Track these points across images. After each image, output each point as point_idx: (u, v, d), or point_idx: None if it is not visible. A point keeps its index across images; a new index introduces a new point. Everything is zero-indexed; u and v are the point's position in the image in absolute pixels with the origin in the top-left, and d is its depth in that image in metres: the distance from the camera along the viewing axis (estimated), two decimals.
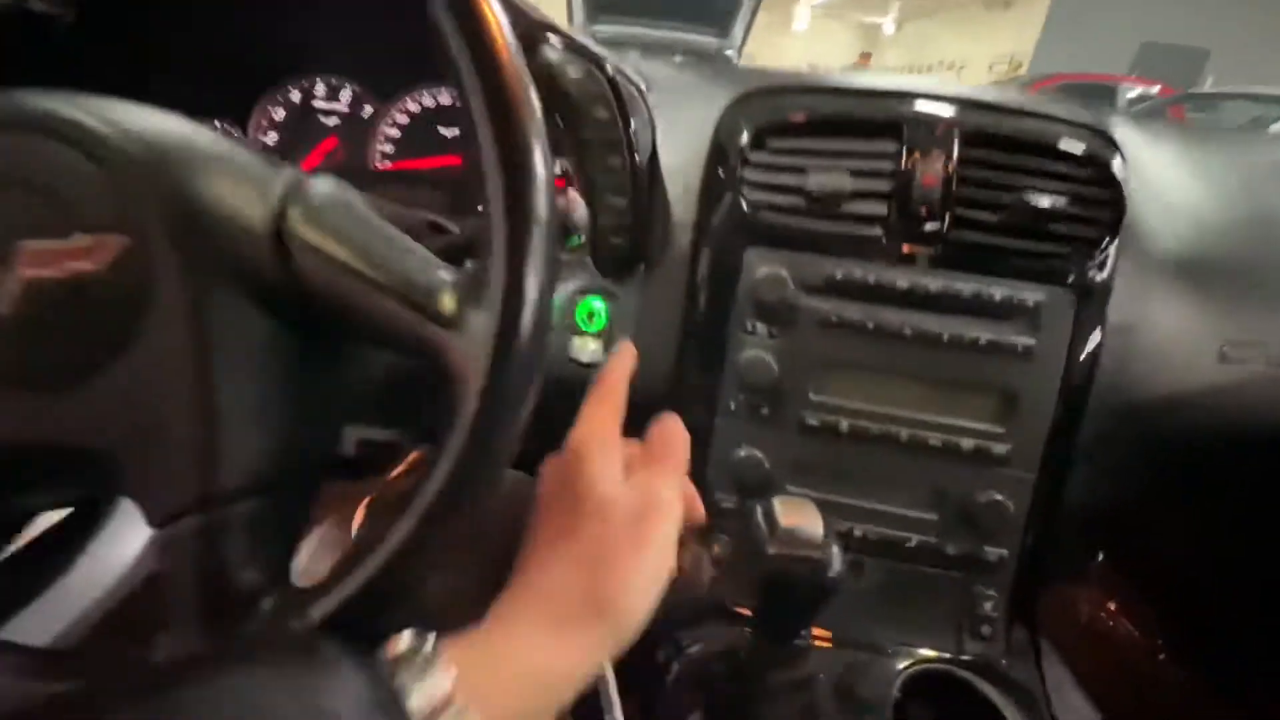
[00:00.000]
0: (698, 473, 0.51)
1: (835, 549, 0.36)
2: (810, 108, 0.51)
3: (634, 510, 0.30)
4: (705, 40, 5.04)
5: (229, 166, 0.27)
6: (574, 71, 0.44)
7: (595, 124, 0.45)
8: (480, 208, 0.27)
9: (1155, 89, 6.41)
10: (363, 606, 0.26)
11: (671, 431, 0.34)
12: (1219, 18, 8.28)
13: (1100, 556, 0.60)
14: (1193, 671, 0.64)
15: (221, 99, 0.59)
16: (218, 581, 0.27)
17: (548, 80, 0.46)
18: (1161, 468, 0.51)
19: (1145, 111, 5.54)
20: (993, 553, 0.49)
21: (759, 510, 0.39)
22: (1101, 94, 6.46)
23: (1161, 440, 0.50)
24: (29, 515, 0.31)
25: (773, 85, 0.52)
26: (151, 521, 0.27)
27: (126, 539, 0.79)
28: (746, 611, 0.48)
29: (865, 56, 8.86)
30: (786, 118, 0.50)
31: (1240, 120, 4.88)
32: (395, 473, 0.91)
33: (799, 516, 0.37)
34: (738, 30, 4.90)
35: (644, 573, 0.29)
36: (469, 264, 0.28)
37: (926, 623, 0.49)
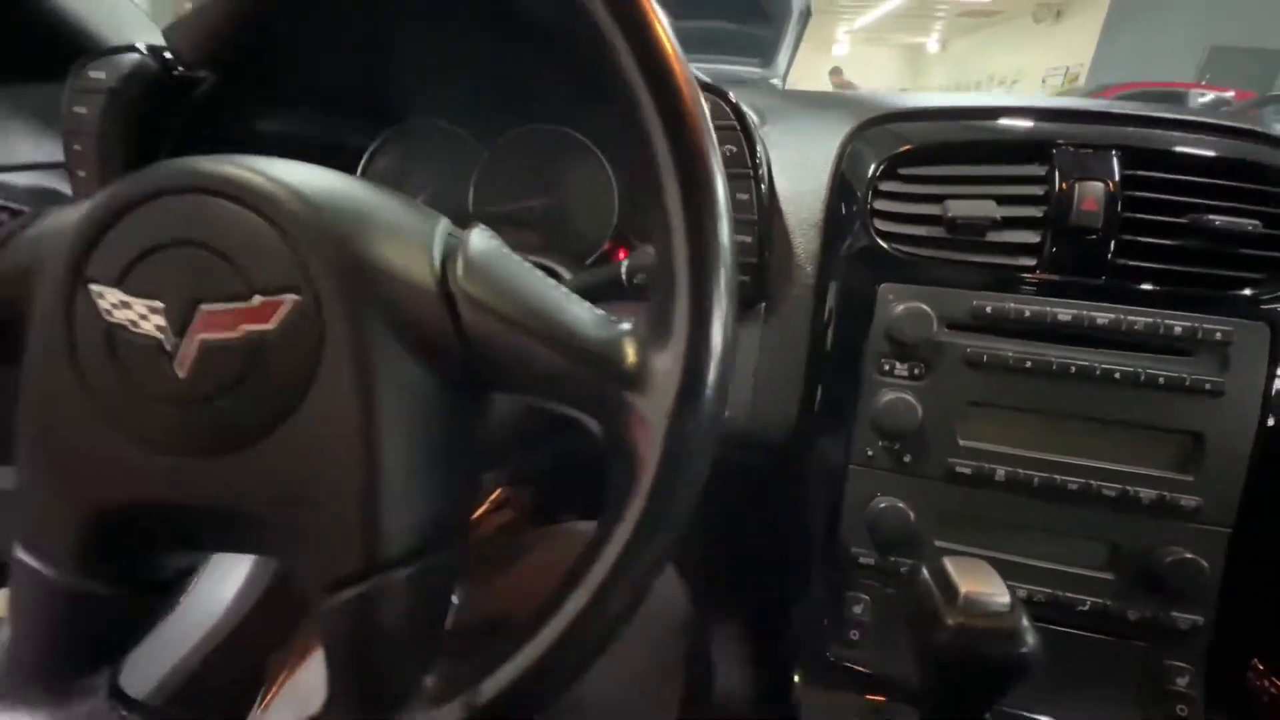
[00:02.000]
0: (830, 527, 0.47)
1: (1025, 619, 0.31)
2: (945, 132, 0.48)
3: None
4: (749, 71, 5.11)
5: (394, 224, 0.26)
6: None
7: (724, 158, 0.43)
8: (651, 249, 0.26)
9: (1230, 94, 6.09)
10: (529, 689, 0.24)
11: None
12: None
13: None
14: None
15: (333, 145, 0.61)
16: (379, 654, 0.25)
17: None
18: None
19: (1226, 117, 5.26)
20: (1184, 620, 0.43)
21: (927, 572, 0.34)
22: (1170, 102, 6.20)
23: None
24: (186, 574, 0.30)
25: (898, 110, 0.50)
26: (314, 588, 0.26)
27: (226, 580, 0.81)
28: (904, 687, 0.43)
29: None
30: (920, 144, 0.47)
31: None
32: (480, 511, 0.90)
33: (978, 580, 0.33)
34: (782, 59, 4.94)
35: None
36: (630, 316, 0.27)
37: (1107, 701, 0.43)
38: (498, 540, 0.77)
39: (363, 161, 0.62)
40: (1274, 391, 0.42)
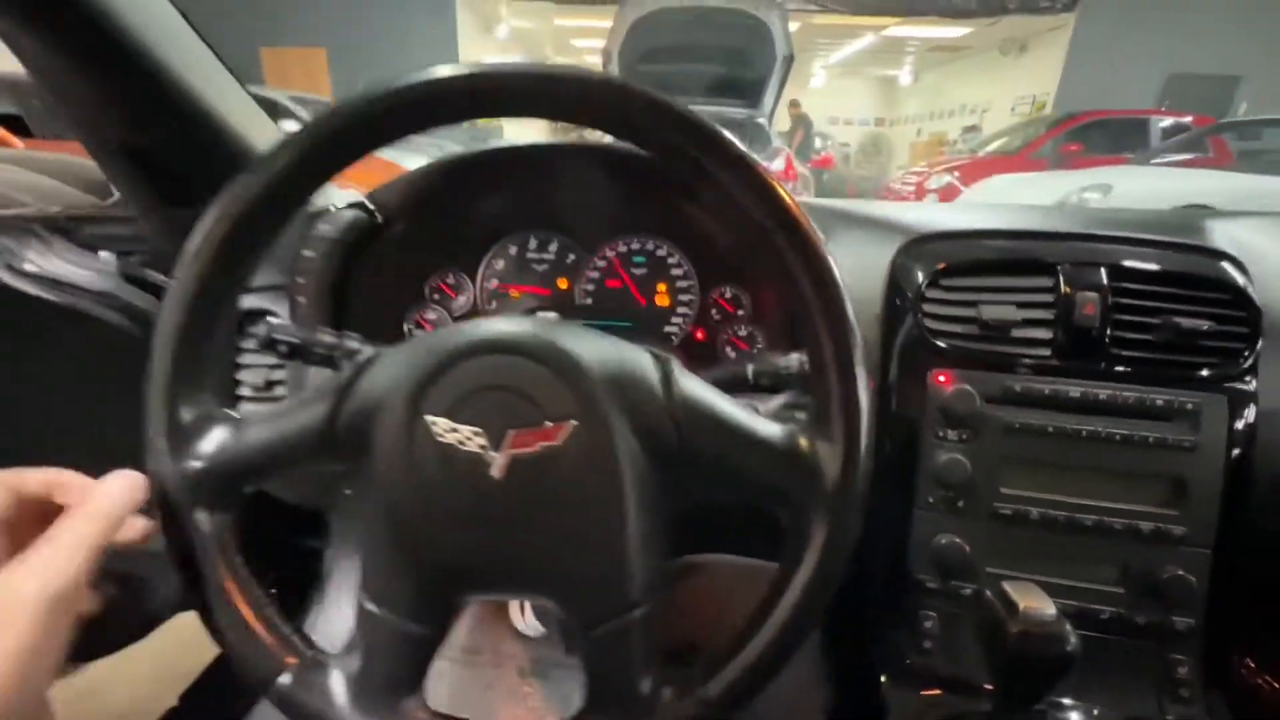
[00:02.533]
0: (899, 558, 0.59)
1: (1068, 626, 0.43)
2: (973, 251, 0.61)
3: None
4: (737, 112, 5.37)
5: (630, 362, 0.37)
6: None
7: None
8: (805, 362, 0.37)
9: (1188, 119, 6.42)
10: (738, 692, 0.35)
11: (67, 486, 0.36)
12: (1245, 44, 8.32)
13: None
14: None
15: (457, 255, 0.73)
16: (629, 671, 0.36)
17: None
18: None
19: (1183, 143, 5.54)
20: (1181, 622, 0.55)
21: (990, 593, 0.46)
22: (1134, 128, 6.52)
23: None
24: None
25: (935, 232, 0.63)
26: (576, 623, 0.36)
27: (340, 615, 0.90)
28: (985, 684, 0.54)
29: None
30: (954, 261, 0.60)
31: None
32: None
33: (1030, 598, 0.44)
34: (767, 101, 5.21)
35: None
36: (785, 410, 0.38)
37: (1125, 689, 0.55)
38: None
39: (482, 265, 0.74)
40: (1237, 444, 0.55)
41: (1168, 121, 6.51)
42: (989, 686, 0.53)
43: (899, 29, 10.29)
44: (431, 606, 0.37)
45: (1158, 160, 5.36)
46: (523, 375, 0.35)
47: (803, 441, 0.36)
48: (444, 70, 0.36)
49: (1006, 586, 0.45)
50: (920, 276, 0.60)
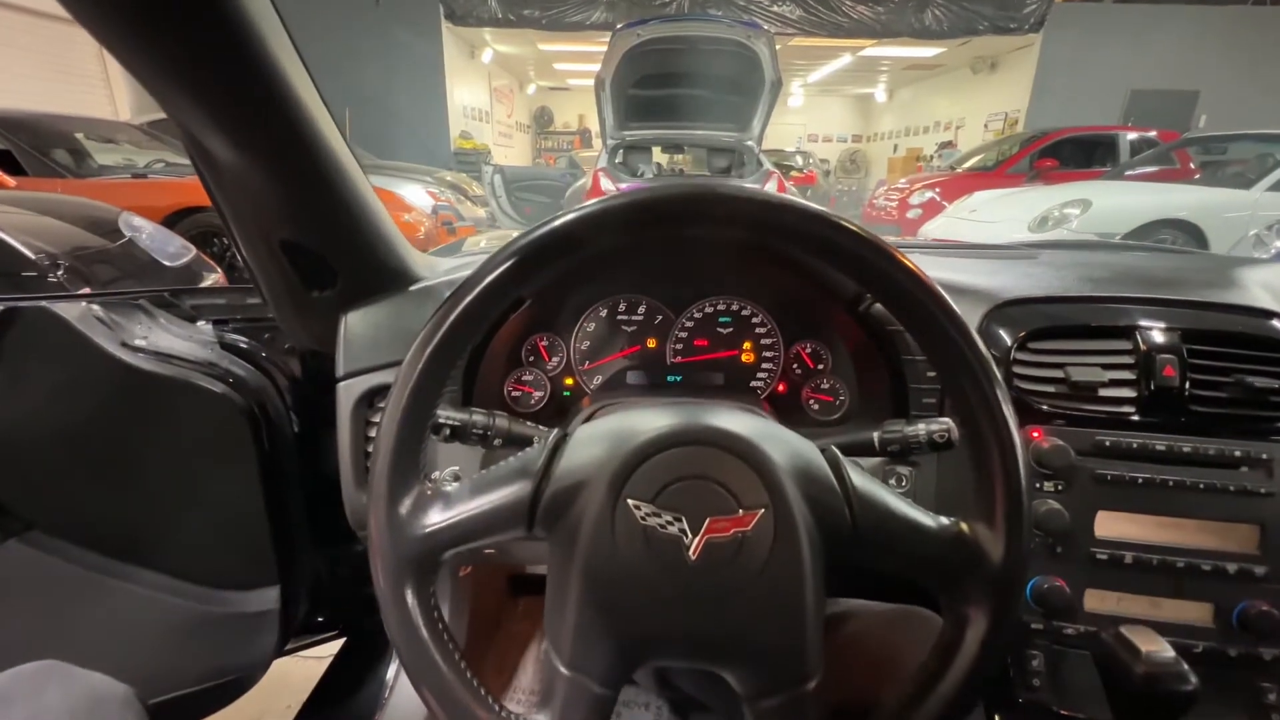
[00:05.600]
0: None
1: (1186, 665, 0.47)
2: (1058, 317, 0.66)
3: None
4: (728, 136, 5.49)
5: (806, 454, 0.42)
6: None
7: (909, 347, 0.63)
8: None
9: (1153, 134, 6.69)
10: None
11: None
12: (1201, 60, 8.73)
13: None
14: None
15: (553, 320, 0.77)
16: None
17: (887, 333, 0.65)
18: None
19: (1151, 157, 5.78)
20: (1268, 652, 0.59)
21: (1111, 638, 0.50)
22: (1105, 143, 6.79)
23: None
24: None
25: (1017, 298, 0.68)
26: (751, 695, 0.40)
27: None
28: (1091, 716, 0.58)
29: None
30: (1038, 327, 0.65)
31: (1246, 158, 5.08)
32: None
33: (1149, 642, 0.49)
34: (756, 125, 5.34)
35: None
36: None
37: (1224, 715, 0.59)
38: None
39: (576, 328, 0.78)
40: None
41: (1134, 136, 6.77)
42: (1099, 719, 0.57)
43: (874, 50, 10.61)
44: (620, 672, 0.40)
45: (1130, 174, 5.57)
46: (719, 466, 0.39)
47: (965, 528, 0.40)
48: (643, 194, 0.40)
49: (1124, 630, 0.49)
50: (1008, 340, 0.65)
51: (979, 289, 0.69)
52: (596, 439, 0.42)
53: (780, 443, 0.41)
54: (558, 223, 0.41)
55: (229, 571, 0.82)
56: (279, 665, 0.92)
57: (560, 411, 0.77)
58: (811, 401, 0.76)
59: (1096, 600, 0.61)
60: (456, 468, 0.69)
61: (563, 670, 0.40)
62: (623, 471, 0.39)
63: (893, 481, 0.65)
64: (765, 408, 0.73)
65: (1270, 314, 0.66)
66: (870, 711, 0.42)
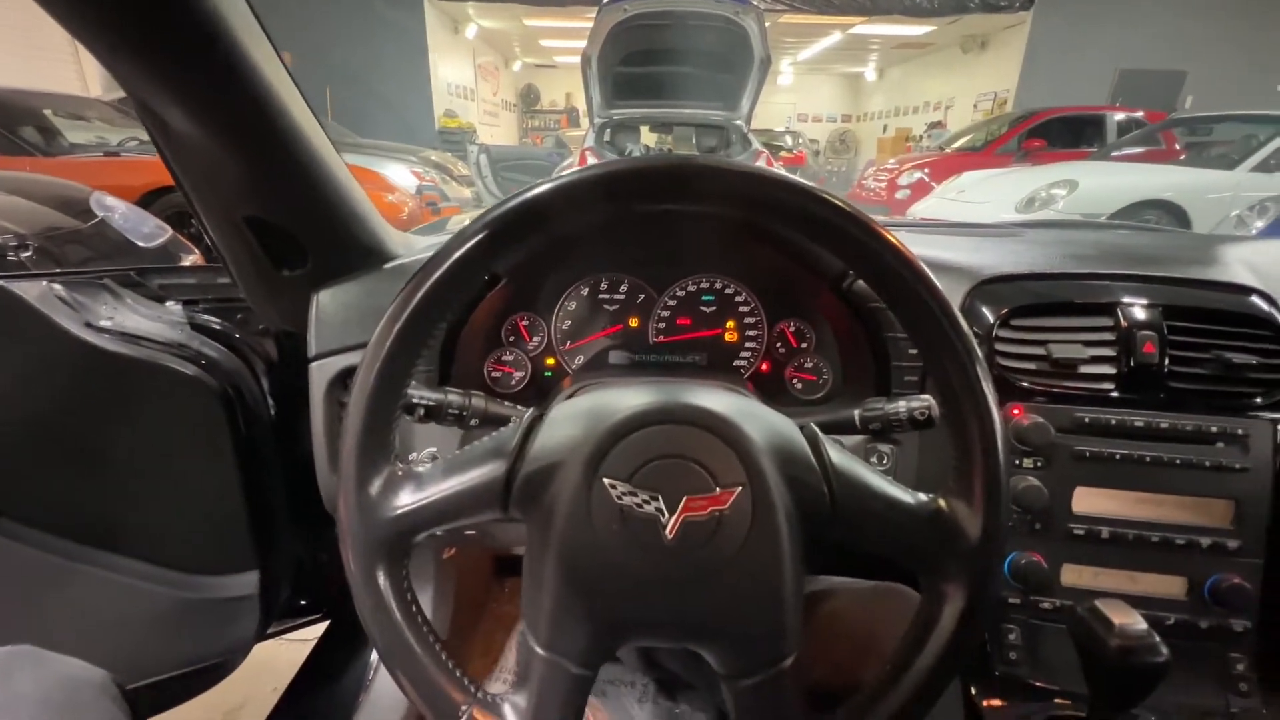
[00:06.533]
0: None
1: (1158, 637, 0.47)
2: (1039, 294, 0.66)
3: None
4: (716, 115, 5.43)
5: (784, 431, 0.41)
6: None
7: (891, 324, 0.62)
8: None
9: (1140, 114, 6.71)
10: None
11: None
12: (1189, 39, 8.73)
13: None
14: None
15: (533, 299, 0.76)
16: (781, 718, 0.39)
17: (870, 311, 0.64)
18: None
19: (1138, 137, 5.80)
20: (1239, 624, 0.61)
21: (1085, 612, 0.51)
22: (1092, 124, 6.80)
23: None
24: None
25: (1000, 275, 0.68)
26: (732, 674, 0.40)
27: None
28: (1067, 689, 0.59)
29: None
30: (1020, 304, 0.65)
31: (1231, 138, 5.10)
32: None
33: (1123, 615, 0.49)
34: (745, 104, 5.28)
35: None
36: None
37: (1193, 686, 0.60)
38: None
39: (557, 307, 0.76)
40: (1277, 465, 0.61)
41: (1121, 116, 6.79)
42: (1072, 691, 0.58)
43: (864, 27, 10.49)
44: (597, 653, 0.40)
45: (1117, 154, 5.59)
46: (696, 444, 0.38)
47: (943, 505, 0.40)
48: (618, 165, 0.39)
49: (1098, 604, 0.49)
50: (990, 317, 0.65)
51: (963, 266, 0.68)
52: (572, 418, 0.42)
53: (758, 421, 0.40)
54: (529, 195, 0.39)
55: (207, 556, 0.81)
56: (264, 648, 0.91)
57: (541, 392, 0.76)
58: (795, 380, 0.76)
59: (1073, 575, 0.62)
60: (434, 449, 0.68)
61: (539, 651, 0.39)
62: (598, 451, 0.38)
63: (874, 459, 0.65)
64: (748, 387, 0.73)
65: (1250, 290, 0.66)
66: (850, 688, 0.42)
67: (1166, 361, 0.62)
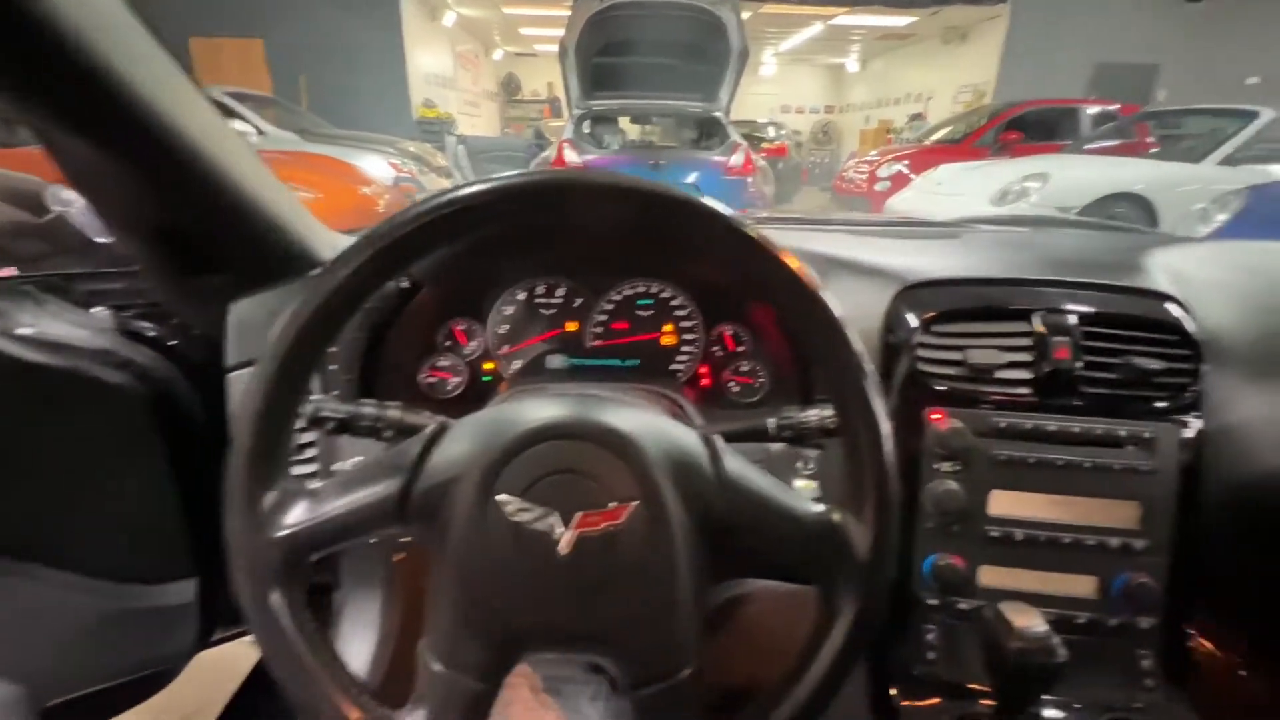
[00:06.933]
0: (903, 578, 0.65)
1: (1057, 639, 0.49)
2: (959, 300, 0.67)
3: None
4: (694, 106, 5.40)
5: (682, 442, 0.41)
6: None
7: None
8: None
9: (1114, 107, 6.79)
10: None
11: None
12: (1163, 33, 8.85)
13: (1225, 613, 0.73)
14: None
15: (468, 304, 0.75)
16: None
17: None
18: (1260, 538, 0.65)
19: (1111, 130, 5.88)
20: (1145, 621, 0.63)
21: (989, 613, 0.52)
22: (1067, 116, 6.87)
23: (1259, 513, 0.64)
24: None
25: (925, 280, 0.68)
26: (625, 685, 0.40)
27: (354, 655, 0.92)
28: (982, 688, 0.61)
29: None
30: (942, 310, 0.66)
31: (1200, 132, 5.19)
32: None
33: (1024, 617, 0.50)
34: (724, 95, 5.27)
35: None
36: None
37: (1102, 683, 0.62)
38: None
39: (493, 311, 0.76)
40: (1187, 466, 0.63)
41: (1096, 109, 6.87)
42: (987, 690, 0.59)
43: (846, 17, 10.49)
44: (496, 667, 0.40)
45: (1090, 147, 5.66)
46: (590, 460, 0.39)
47: (836, 518, 0.40)
48: (514, 179, 0.38)
49: (1002, 607, 0.51)
50: (913, 323, 0.66)
51: (892, 270, 0.69)
52: (472, 432, 0.41)
53: (655, 434, 0.40)
54: (422, 209, 0.38)
55: (141, 566, 0.79)
56: (226, 653, 0.90)
57: (480, 397, 0.76)
58: (732, 384, 0.76)
59: (990, 576, 0.63)
60: (361, 458, 0.67)
61: (436, 667, 0.39)
62: (494, 466, 0.38)
63: (799, 465, 0.66)
64: (686, 392, 0.73)
65: (1165, 297, 0.67)
66: (754, 695, 0.42)
67: (1080, 366, 0.63)
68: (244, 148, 0.58)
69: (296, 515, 0.40)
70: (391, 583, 0.94)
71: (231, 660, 1.04)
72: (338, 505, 0.40)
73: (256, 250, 0.65)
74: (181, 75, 0.52)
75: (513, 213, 0.39)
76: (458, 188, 0.39)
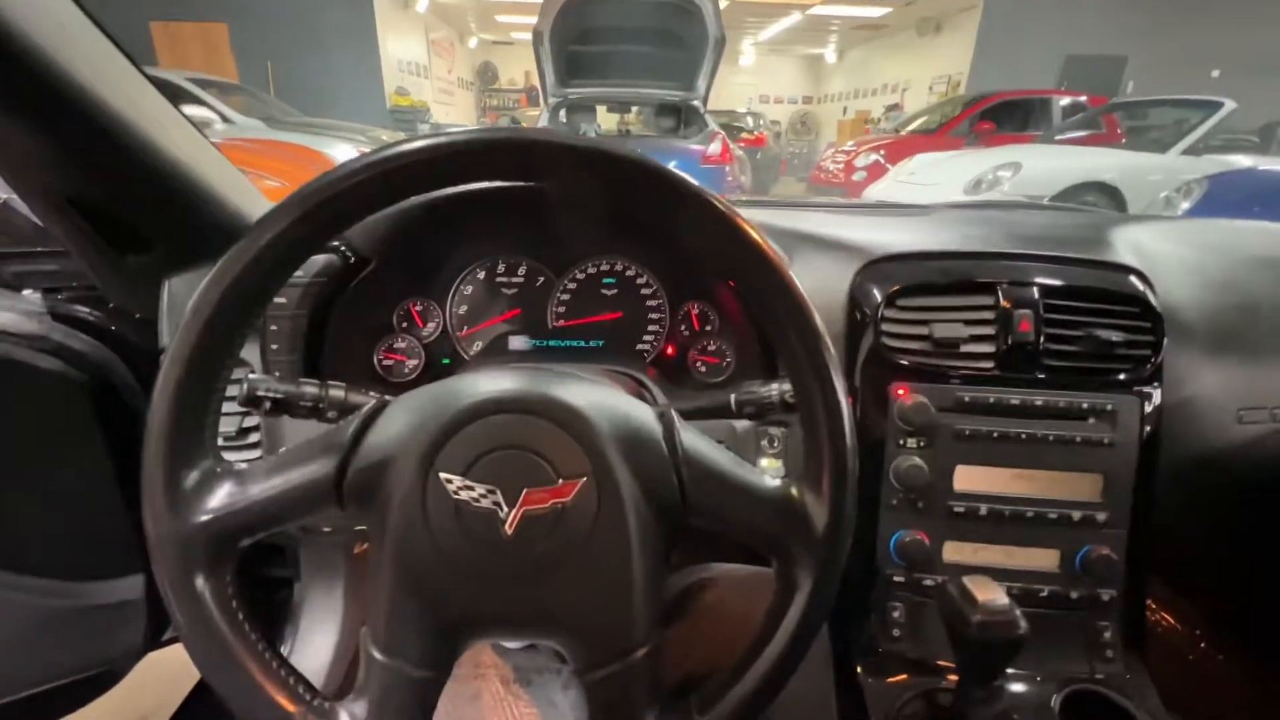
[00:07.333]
0: (868, 554, 0.64)
1: (1018, 612, 0.49)
2: (925, 273, 0.66)
3: None
4: (672, 94, 5.36)
5: (635, 418, 0.39)
6: None
7: None
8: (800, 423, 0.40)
9: (1084, 99, 6.91)
10: (750, 706, 0.38)
11: None
12: (1132, 26, 9.01)
13: (1180, 584, 0.74)
14: (1253, 669, 0.78)
15: (426, 284, 0.72)
16: (634, 711, 0.38)
17: None
18: (1214, 510, 0.66)
19: (1081, 121, 5.97)
20: (1105, 593, 0.63)
21: (952, 587, 0.51)
22: (1039, 107, 6.98)
23: (1211, 488, 0.66)
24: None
25: (889, 254, 0.68)
26: (578, 668, 0.38)
27: (314, 648, 0.89)
28: (946, 664, 0.61)
29: None
30: (907, 283, 0.65)
31: (1165, 123, 5.30)
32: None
33: (986, 590, 0.50)
34: (701, 83, 5.23)
35: None
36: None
37: (1063, 654, 0.63)
38: None
39: (452, 291, 0.73)
40: (1146, 438, 0.63)
41: (1067, 100, 6.98)
42: (952, 666, 0.59)
43: (823, 8, 10.49)
44: (440, 653, 0.38)
45: (1061, 137, 5.76)
46: (536, 434, 0.37)
47: (794, 493, 0.39)
48: (424, 141, 0.36)
49: (965, 581, 0.50)
50: (877, 297, 0.65)
51: (858, 244, 0.68)
52: (411, 408, 0.39)
53: (607, 409, 0.39)
54: (355, 166, 0.36)
55: (84, 562, 0.76)
56: (183, 652, 0.86)
57: (438, 380, 0.73)
58: (699, 363, 0.74)
59: (954, 551, 0.63)
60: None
61: (377, 656, 0.37)
62: (434, 444, 0.36)
63: (765, 443, 0.65)
64: (650, 372, 0.71)
65: (1127, 269, 0.67)
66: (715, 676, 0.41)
67: (1042, 340, 0.63)
68: (172, 114, 0.55)
69: (221, 498, 0.38)
70: (353, 575, 0.92)
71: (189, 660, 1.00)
72: (267, 487, 0.38)
73: (190, 223, 0.62)
74: (99, 34, 0.48)
75: (460, 172, 0.37)
76: (398, 143, 0.36)
